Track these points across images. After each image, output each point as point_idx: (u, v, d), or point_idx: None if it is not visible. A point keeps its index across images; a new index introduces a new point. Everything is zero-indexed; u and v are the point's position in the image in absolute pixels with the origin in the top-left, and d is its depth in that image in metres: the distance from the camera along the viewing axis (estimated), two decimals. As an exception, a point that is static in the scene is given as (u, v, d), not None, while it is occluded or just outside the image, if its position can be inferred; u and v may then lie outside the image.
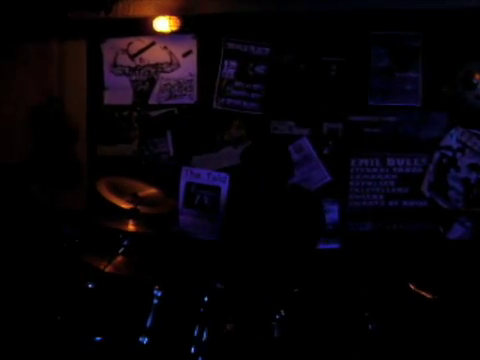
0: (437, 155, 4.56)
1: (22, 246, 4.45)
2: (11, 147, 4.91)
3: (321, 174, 4.66)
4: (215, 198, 4.76)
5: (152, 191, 4.15)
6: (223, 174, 4.74)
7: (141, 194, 4.01)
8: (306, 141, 4.66)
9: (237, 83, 4.74)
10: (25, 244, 4.47)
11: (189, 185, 4.79)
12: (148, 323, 3.32)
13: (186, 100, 4.81)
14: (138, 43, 4.84)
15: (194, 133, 4.80)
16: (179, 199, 4.77)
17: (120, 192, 3.99)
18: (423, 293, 3.47)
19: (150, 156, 4.86)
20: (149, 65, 4.85)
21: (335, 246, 4.61)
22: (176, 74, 4.81)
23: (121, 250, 3.64)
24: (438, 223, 4.51)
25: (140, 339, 3.28)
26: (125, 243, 3.66)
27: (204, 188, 4.78)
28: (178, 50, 4.80)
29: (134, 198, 3.94)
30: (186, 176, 4.80)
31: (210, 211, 4.76)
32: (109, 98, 4.93)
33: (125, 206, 3.90)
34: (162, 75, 4.83)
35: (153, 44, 4.83)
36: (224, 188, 4.73)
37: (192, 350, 3.20)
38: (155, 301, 3.33)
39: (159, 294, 3.31)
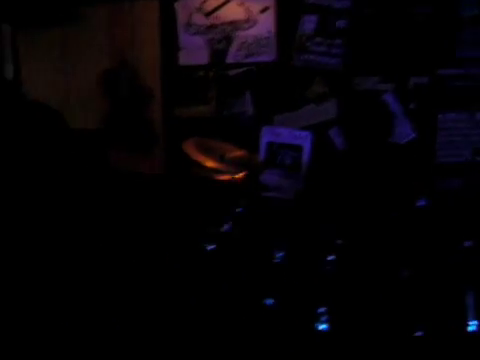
0: None
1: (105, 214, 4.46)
2: (88, 113, 4.86)
3: (406, 130, 4.54)
4: (297, 157, 4.68)
5: (239, 153, 4.09)
6: (305, 132, 4.64)
7: (228, 156, 3.96)
8: (391, 96, 4.54)
9: (317, 39, 4.60)
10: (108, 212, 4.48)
11: (270, 145, 4.71)
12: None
13: (265, 58, 4.69)
14: (213, 0, 4.72)
15: (274, 91, 4.69)
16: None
17: (208, 153, 3.94)
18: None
19: (228, 116, 4.78)
20: (225, 23, 4.72)
21: (421, 203, 4.51)
22: (253, 31, 4.68)
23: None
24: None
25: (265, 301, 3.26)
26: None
27: (285, 147, 4.69)
28: (255, 6, 4.66)
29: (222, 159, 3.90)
30: (267, 135, 4.71)
31: (292, 170, 4.69)
32: (184, 58, 4.83)
33: (217, 167, 3.85)
34: (239, 33, 4.71)
35: (229, 1, 4.70)
36: (306, 146, 4.64)
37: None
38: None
39: (280, 255, 3.29)
